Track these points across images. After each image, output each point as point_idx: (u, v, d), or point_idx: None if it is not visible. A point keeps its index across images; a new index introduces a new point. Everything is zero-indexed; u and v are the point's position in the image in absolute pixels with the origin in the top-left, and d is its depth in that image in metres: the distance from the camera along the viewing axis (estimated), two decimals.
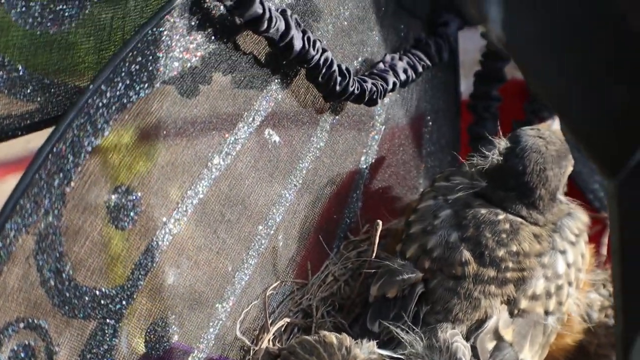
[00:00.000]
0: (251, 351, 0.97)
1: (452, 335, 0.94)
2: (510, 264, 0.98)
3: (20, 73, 0.80)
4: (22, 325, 0.77)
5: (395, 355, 0.92)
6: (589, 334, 1.06)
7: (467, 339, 0.96)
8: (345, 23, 1.06)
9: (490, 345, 0.97)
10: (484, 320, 0.97)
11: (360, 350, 0.91)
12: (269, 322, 0.99)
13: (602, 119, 0.59)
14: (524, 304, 0.98)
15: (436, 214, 1.01)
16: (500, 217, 0.99)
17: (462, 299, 0.97)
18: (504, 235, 0.98)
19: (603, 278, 1.09)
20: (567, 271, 1.01)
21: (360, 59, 1.08)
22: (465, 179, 1.03)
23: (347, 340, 0.91)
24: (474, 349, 0.96)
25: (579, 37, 0.57)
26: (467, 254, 0.98)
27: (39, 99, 0.83)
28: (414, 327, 0.96)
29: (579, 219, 1.03)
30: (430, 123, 1.23)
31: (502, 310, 0.97)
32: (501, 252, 0.98)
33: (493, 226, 0.99)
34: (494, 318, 0.97)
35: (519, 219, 1.00)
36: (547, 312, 0.99)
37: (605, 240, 1.21)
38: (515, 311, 0.98)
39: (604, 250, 1.20)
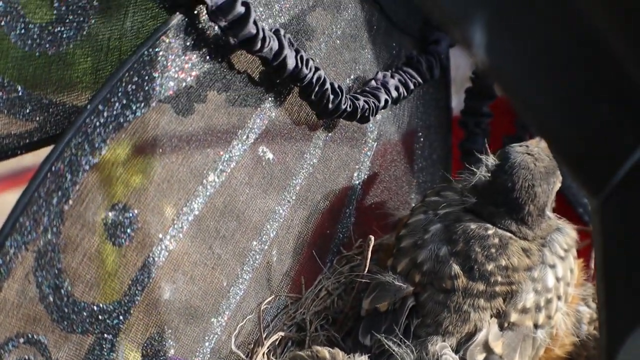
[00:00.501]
0: None
1: (442, 348, 0.96)
2: (499, 278, 0.99)
3: (20, 93, 0.82)
4: (21, 340, 0.78)
5: None
6: (579, 346, 1.07)
7: (456, 351, 0.97)
8: (338, 41, 1.08)
9: (480, 357, 0.98)
10: (474, 333, 0.98)
11: None
12: (264, 336, 1.01)
13: (584, 140, 0.61)
14: (514, 317, 0.99)
15: (426, 228, 1.03)
16: (490, 231, 1.01)
17: (452, 312, 0.99)
18: (493, 250, 1.00)
19: (592, 292, 1.10)
20: (557, 285, 1.02)
21: (352, 76, 1.10)
22: (455, 195, 1.05)
23: (340, 355, 0.92)
24: None
25: (560, 61, 0.59)
26: (456, 268, 0.99)
27: (37, 118, 0.84)
28: (405, 340, 0.97)
29: (567, 235, 1.05)
30: (422, 139, 1.25)
31: (492, 324, 0.99)
32: (490, 267, 0.99)
33: (482, 241, 1.00)
34: (484, 331, 0.98)
35: (508, 234, 1.01)
36: (536, 326, 1.01)
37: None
38: (506, 324, 0.99)
39: (593, 264, 1.21)
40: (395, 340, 0.97)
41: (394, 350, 0.96)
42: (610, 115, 0.60)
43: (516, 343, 0.99)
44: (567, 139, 0.61)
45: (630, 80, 0.59)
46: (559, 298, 1.02)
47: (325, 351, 0.92)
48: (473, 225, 1.01)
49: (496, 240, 1.00)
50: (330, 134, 1.08)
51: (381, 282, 1.02)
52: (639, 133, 0.60)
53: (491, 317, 0.99)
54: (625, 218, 0.62)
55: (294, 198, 1.05)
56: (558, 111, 0.60)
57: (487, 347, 0.98)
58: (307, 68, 0.98)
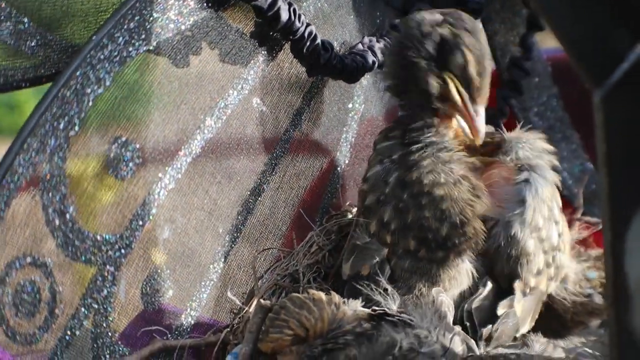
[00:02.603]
0: (241, 312, 0.99)
1: (437, 292, 0.97)
2: (456, 240, 0.98)
3: (26, 26, 0.84)
4: (28, 260, 0.79)
5: (379, 309, 0.94)
6: (565, 302, 1.09)
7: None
8: (326, 5, 1.11)
9: (501, 311, 0.97)
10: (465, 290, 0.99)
11: (348, 307, 0.93)
12: (259, 284, 1.01)
13: (589, 33, 0.64)
14: (532, 281, 0.99)
15: (386, 180, 0.99)
16: (451, 178, 0.97)
17: (420, 276, 0.98)
18: (444, 207, 0.98)
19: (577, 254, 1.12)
20: (559, 240, 1.03)
21: (339, 40, 1.13)
22: (401, 131, 1.00)
23: (336, 297, 0.93)
24: (469, 313, 0.96)
25: None
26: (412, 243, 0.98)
27: (41, 53, 0.86)
28: (387, 291, 0.95)
29: (549, 181, 1.03)
30: None
31: (516, 289, 0.98)
32: (445, 231, 0.98)
33: (434, 201, 0.97)
34: (488, 287, 0.97)
35: (459, 176, 0.98)
36: (550, 279, 1.00)
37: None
38: (527, 290, 0.99)
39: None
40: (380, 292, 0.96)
41: (379, 300, 0.95)
42: (610, 12, 0.63)
43: (531, 307, 1.00)
44: (573, 31, 0.64)
45: None
46: (560, 251, 1.03)
47: (321, 294, 0.93)
48: (427, 180, 0.98)
49: (446, 191, 0.98)
50: (319, 94, 1.10)
51: (357, 246, 1.00)
52: (636, 33, 0.63)
53: (466, 271, 0.98)
54: (625, 112, 0.65)
55: (284, 153, 1.06)
56: (565, 4, 0.63)
57: (510, 304, 0.97)
58: (299, 22, 1.01)
